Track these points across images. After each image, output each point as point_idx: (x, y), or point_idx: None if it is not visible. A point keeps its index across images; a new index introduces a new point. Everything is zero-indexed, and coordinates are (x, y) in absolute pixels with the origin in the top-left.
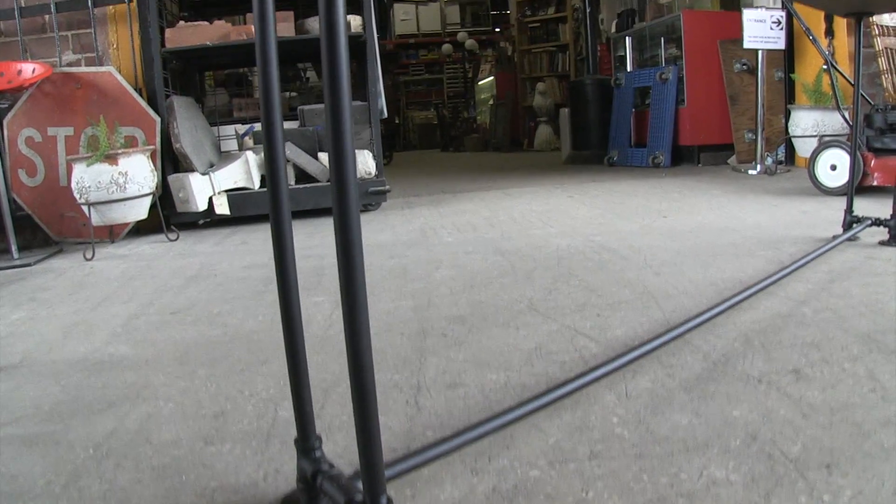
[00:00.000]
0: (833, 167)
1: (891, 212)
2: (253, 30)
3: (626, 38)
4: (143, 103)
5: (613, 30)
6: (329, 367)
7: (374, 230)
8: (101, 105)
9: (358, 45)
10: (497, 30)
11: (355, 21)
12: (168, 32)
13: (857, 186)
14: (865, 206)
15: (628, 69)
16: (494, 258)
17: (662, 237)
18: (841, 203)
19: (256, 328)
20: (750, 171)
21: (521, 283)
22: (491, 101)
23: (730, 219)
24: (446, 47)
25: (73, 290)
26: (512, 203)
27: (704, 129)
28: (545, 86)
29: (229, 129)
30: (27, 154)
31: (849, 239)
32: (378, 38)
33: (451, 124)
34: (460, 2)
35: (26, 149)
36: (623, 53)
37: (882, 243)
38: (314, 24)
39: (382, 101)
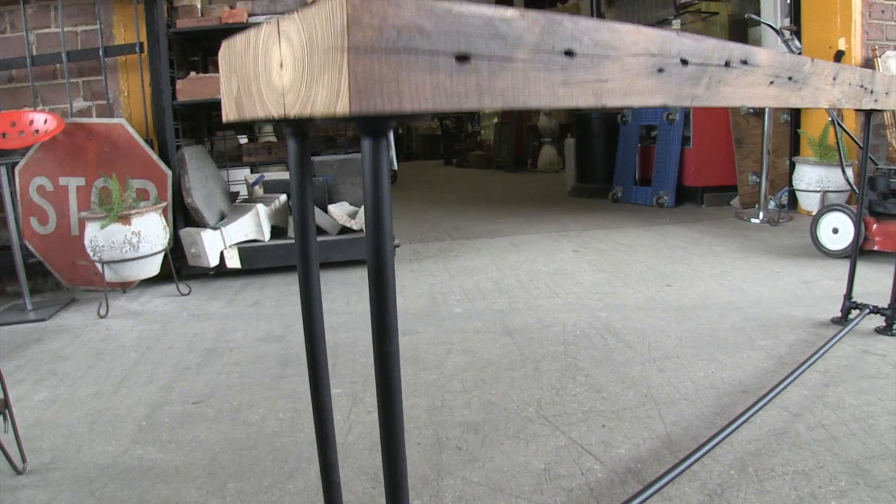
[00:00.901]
0: (835, 230)
1: (890, 292)
2: None
3: None
4: (155, 156)
5: None
6: (352, 486)
7: None
8: (113, 157)
9: None
10: None
11: None
12: (179, 84)
13: (858, 251)
14: (866, 274)
15: None
16: (504, 340)
17: (666, 315)
18: (842, 269)
19: (278, 429)
20: (753, 220)
21: (529, 379)
22: (496, 119)
23: (732, 290)
24: None
25: (92, 363)
26: (518, 259)
27: (709, 170)
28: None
29: (238, 174)
30: (39, 203)
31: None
32: None
33: (454, 136)
34: None
35: (38, 197)
36: None
37: (878, 331)
38: None
39: (392, 152)
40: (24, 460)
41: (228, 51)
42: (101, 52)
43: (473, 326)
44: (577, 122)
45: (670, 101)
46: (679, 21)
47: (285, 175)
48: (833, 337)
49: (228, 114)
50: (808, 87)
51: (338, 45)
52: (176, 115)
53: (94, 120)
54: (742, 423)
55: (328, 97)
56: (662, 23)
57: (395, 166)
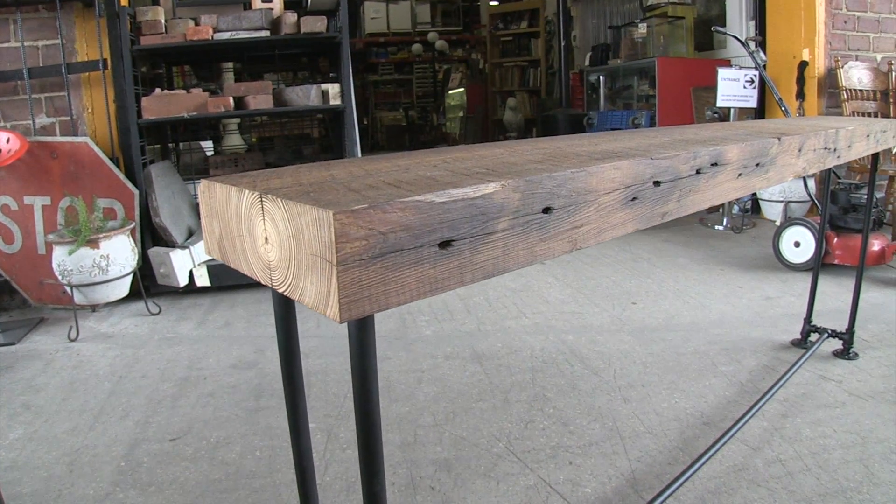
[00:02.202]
0: (797, 244)
1: (849, 311)
2: (231, 102)
3: (600, 76)
4: (121, 175)
5: (587, 62)
6: None
7: None
8: (78, 175)
9: (336, 113)
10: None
11: (333, 90)
12: (144, 102)
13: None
14: (826, 289)
15: (601, 108)
16: (473, 368)
17: (631, 339)
18: (804, 283)
19: (256, 469)
20: (717, 227)
21: (499, 411)
22: (461, 113)
23: (695, 308)
24: (416, 47)
25: (66, 394)
26: None
27: None
28: (516, 101)
29: None
30: (3, 222)
31: (805, 348)
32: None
33: (419, 128)
34: (431, 1)
35: (2, 216)
36: (596, 89)
37: (836, 354)
38: (292, 95)
39: (357, 150)
40: None
41: (208, 192)
42: (63, 69)
43: (443, 351)
44: (543, 122)
45: (642, 225)
46: (645, 24)
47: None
48: (793, 365)
49: (212, 252)
50: (774, 167)
51: (325, 255)
52: (141, 132)
53: (59, 139)
54: (704, 462)
55: (317, 296)
56: (628, 25)
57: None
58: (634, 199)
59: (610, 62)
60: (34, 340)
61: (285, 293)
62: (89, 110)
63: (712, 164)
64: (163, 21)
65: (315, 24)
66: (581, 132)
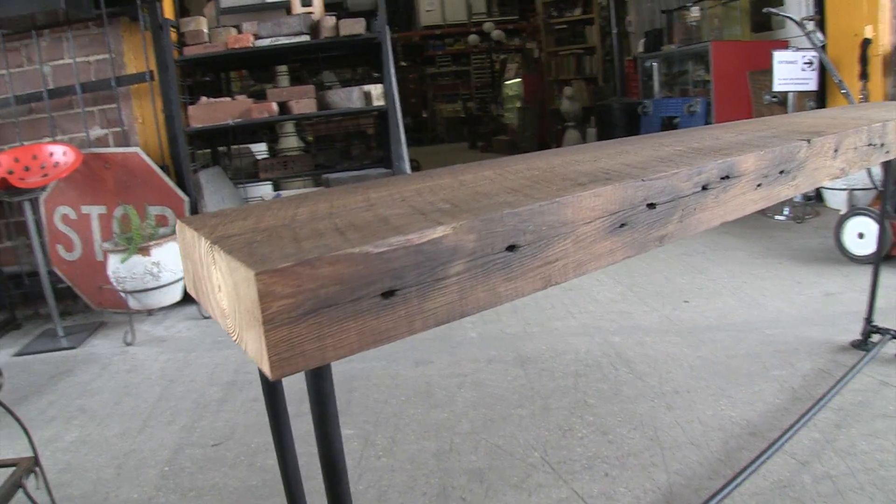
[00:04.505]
0: (861, 235)
1: None
2: (274, 107)
3: (653, 62)
4: (171, 183)
5: (641, 48)
6: None
7: None
8: (130, 185)
9: (381, 113)
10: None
11: (376, 90)
12: (191, 110)
13: (884, 256)
14: (891, 282)
15: (655, 95)
16: (515, 372)
17: (680, 340)
18: (867, 278)
19: None
20: (777, 217)
21: (537, 418)
22: (518, 104)
23: (750, 306)
24: (472, 38)
25: (119, 398)
26: None
27: None
28: (572, 90)
29: (258, 191)
30: (64, 230)
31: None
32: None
33: (478, 119)
34: None
35: (62, 225)
36: (650, 76)
37: None
38: (335, 97)
39: (406, 166)
40: None
41: (181, 233)
42: (112, 83)
43: (487, 355)
44: (598, 111)
45: (634, 251)
46: (697, 9)
47: (303, 191)
48: (850, 369)
49: (189, 290)
50: (803, 172)
51: (254, 314)
52: (191, 138)
53: (111, 150)
54: (746, 476)
55: (256, 352)
56: (680, 8)
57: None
58: (623, 225)
59: (664, 48)
60: (94, 344)
61: (237, 342)
62: (140, 121)
63: (723, 178)
64: (205, 31)
65: (354, 27)
66: (636, 121)
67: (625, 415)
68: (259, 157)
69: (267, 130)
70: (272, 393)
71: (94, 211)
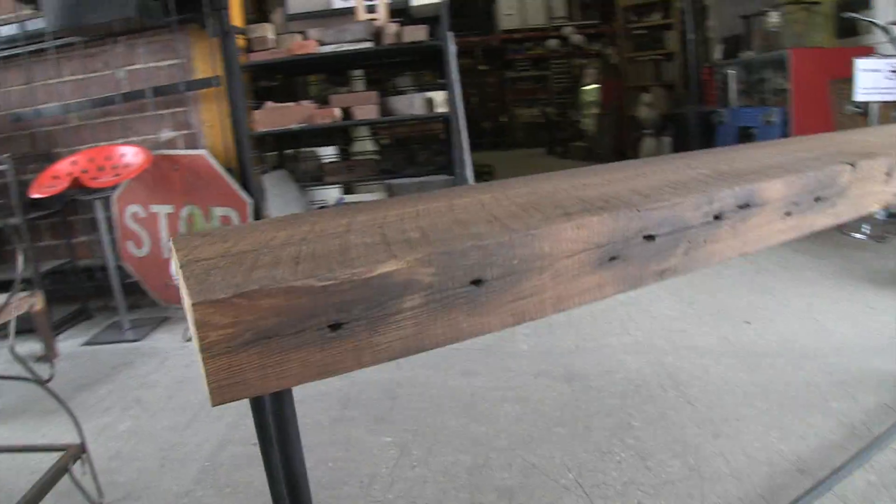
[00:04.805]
0: None
1: None
2: (336, 113)
3: (730, 70)
4: (235, 185)
5: (719, 55)
6: None
7: None
8: (197, 186)
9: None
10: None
11: (439, 97)
12: (256, 115)
13: None
14: None
15: (732, 104)
16: (562, 388)
17: (737, 363)
18: None
19: (324, 480)
20: (855, 235)
21: (577, 438)
22: (596, 110)
23: (816, 332)
24: (552, 42)
25: (173, 392)
26: None
27: None
28: (651, 97)
29: (325, 194)
30: (133, 228)
31: None
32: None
33: (556, 124)
34: None
35: (133, 223)
36: (727, 84)
37: None
38: (397, 104)
39: (468, 174)
40: (101, 495)
41: (173, 247)
42: (181, 87)
43: (536, 369)
44: (673, 121)
45: (627, 287)
46: (777, 13)
47: (366, 197)
48: None
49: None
50: (846, 199)
51: (197, 340)
52: (259, 141)
53: (179, 152)
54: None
55: (203, 375)
56: (759, 14)
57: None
58: (614, 258)
59: (741, 54)
60: (156, 339)
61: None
62: (208, 124)
63: (741, 206)
64: (271, 37)
65: (416, 34)
66: (711, 131)
67: (667, 440)
68: (326, 161)
69: (342, 133)
70: (258, 408)
71: (163, 210)
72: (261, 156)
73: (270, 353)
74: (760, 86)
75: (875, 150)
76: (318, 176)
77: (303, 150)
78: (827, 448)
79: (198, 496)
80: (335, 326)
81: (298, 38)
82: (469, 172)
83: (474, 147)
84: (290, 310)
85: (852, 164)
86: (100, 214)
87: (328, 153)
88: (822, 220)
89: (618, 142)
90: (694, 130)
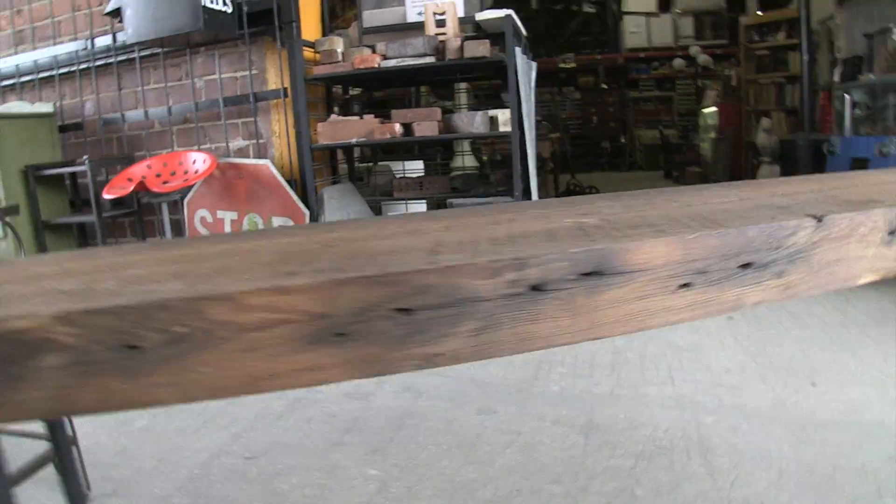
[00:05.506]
0: None
1: None
2: (396, 129)
3: (846, 94)
4: (294, 196)
5: (836, 78)
6: None
7: None
8: (259, 195)
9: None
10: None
11: (503, 116)
12: (319, 127)
13: None
14: None
15: (846, 132)
16: (575, 440)
17: (785, 433)
18: None
19: None
20: None
21: (568, 500)
22: (713, 134)
23: (894, 405)
24: (678, 62)
25: None
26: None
27: None
28: (770, 122)
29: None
30: (202, 231)
31: None
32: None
33: (676, 147)
34: (695, 12)
35: (201, 226)
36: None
37: None
38: (458, 122)
39: (534, 195)
40: (88, 487)
41: None
42: (251, 98)
43: (556, 414)
44: (783, 147)
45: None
46: None
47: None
48: None
49: None
50: (805, 266)
51: None
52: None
53: (244, 160)
54: None
55: None
56: (882, 31)
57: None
58: (341, 334)
59: (861, 77)
60: None
61: None
62: (277, 134)
63: (586, 275)
64: (339, 50)
65: (477, 49)
66: (821, 161)
67: None
68: (398, 176)
69: (441, 148)
70: None
71: (227, 216)
72: (335, 166)
73: None
74: (884, 112)
75: (879, 199)
76: (388, 191)
77: (381, 163)
78: None
79: (174, 502)
80: None
81: (366, 51)
82: (534, 194)
83: (591, 167)
84: None
85: (818, 219)
86: (166, 217)
87: (412, 167)
88: (757, 294)
89: (735, 168)
90: (803, 160)
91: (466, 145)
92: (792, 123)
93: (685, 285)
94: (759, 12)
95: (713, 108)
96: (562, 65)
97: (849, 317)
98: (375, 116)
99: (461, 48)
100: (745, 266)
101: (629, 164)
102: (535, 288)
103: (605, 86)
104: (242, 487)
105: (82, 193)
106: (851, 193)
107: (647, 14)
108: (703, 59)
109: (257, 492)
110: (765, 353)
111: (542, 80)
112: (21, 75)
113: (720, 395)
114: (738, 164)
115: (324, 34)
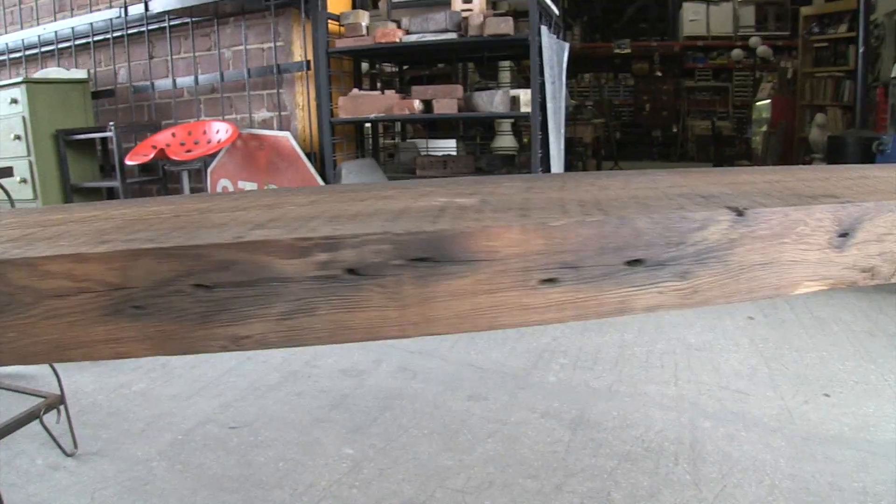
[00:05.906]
0: None
1: None
2: (415, 105)
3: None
4: (312, 169)
5: (893, 73)
6: None
7: (503, 333)
8: (279, 167)
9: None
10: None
11: (525, 96)
12: (340, 101)
13: None
14: None
15: None
16: (561, 435)
17: (785, 445)
18: None
19: (269, 478)
20: None
21: (538, 498)
22: (765, 127)
23: None
24: (736, 52)
25: (198, 362)
26: (677, 319)
27: None
28: (825, 118)
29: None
30: None
31: None
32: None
33: (728, 140)
34: (757, 2)
35: None
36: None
37: None
38: (478, 100)
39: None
40: (75, 446)
41: None
42: (274, 70)
43: (547, 406)
44: (830, 144)
45: None
46: None
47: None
48: None
49: None
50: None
51: None
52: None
53: (265, 132)
54: None
55: None
56: None
57: None
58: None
59: None
60: None
61: None
62: (300, 107)
63: (417, 259)
64: (364, 24)
65: (499, 26)
66: (870, 159)
67: None
68: (422, 154)
69: (480, 127)
70: None
71: (248, 186)
72: (362, 141)
73: None
74: None
75: (838, 193)
76: (411, 168)
77: (408, 140)
78: None
79: (151, 466)
80: None
81: (391, 25)
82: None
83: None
84: None
85: (738, 212)
86: (185, 185)
87: (444, 146)
88: (651, 298)
89: (783, 164)
90: (852, 158)
91: (507, 125)
92: (847, 120)
93: (549, 280)
94: (824, 0)
95: (766, 101)
96: (617, 50)
97: (879, 325)
98: (397, 92)
99: (483, 25)
100: (634, 263)
101: (680, 154)
102: (352, 271)
103: (659, 73)
104: (219, 456)
105: (111, 159)
106: (817, 188)
107: (708, 2)
108: (762, 50)
109: (233, 462)
110: (780, 358)
111: (597, 65)
112: (59, 42)
113: (723, 400)
114: (788, 159)
115: (353, 8)
